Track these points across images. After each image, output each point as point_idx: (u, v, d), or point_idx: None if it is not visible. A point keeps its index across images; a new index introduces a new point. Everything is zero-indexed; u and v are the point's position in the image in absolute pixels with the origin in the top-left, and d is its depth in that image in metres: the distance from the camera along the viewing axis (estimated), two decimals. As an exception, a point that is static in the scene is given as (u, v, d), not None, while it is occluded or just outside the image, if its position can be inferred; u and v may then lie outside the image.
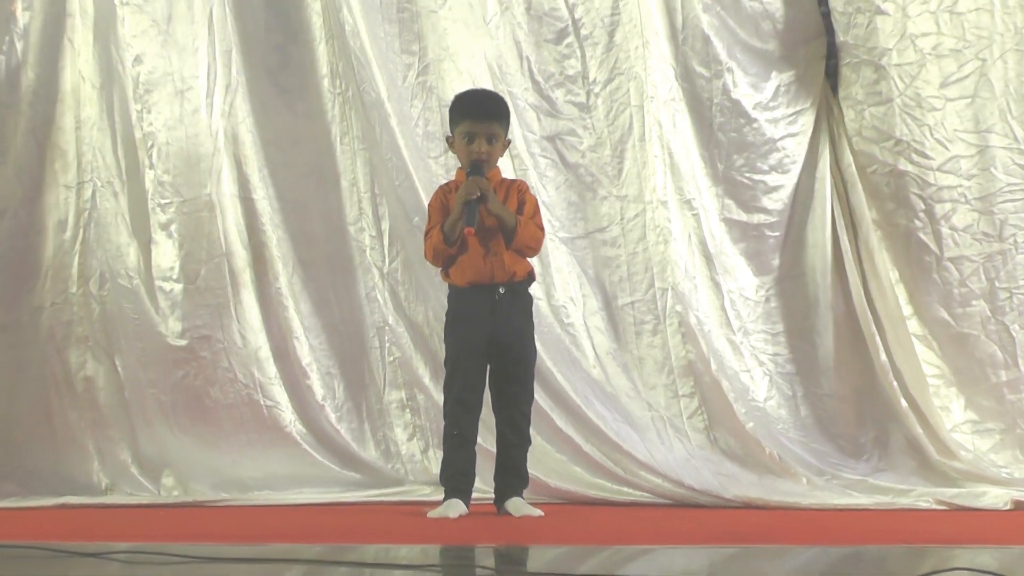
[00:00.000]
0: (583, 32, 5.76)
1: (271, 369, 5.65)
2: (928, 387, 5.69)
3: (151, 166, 5.61)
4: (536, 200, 5.06)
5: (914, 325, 5.76)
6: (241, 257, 5.66)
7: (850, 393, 5.78)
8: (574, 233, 5.73)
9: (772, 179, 5.85)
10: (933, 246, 5.73)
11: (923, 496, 5.27)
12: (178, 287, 5.62)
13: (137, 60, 5.64)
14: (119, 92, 5.63)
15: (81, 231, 5.61)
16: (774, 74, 5.88)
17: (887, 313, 5.71)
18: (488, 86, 5.64)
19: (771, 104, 5.86)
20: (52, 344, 5.56)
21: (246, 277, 5.66)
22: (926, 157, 5.74)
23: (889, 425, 5.68)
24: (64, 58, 5.61)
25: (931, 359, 5.74)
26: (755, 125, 5.82)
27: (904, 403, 5.65)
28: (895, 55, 5.73)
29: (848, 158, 5.82)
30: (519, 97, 5.71)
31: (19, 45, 5.54)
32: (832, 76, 5.92)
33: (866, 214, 5.77)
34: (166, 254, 5.64)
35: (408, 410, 5.67)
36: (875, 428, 5.72)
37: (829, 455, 5.62)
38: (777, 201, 5.83)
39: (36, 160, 5.60)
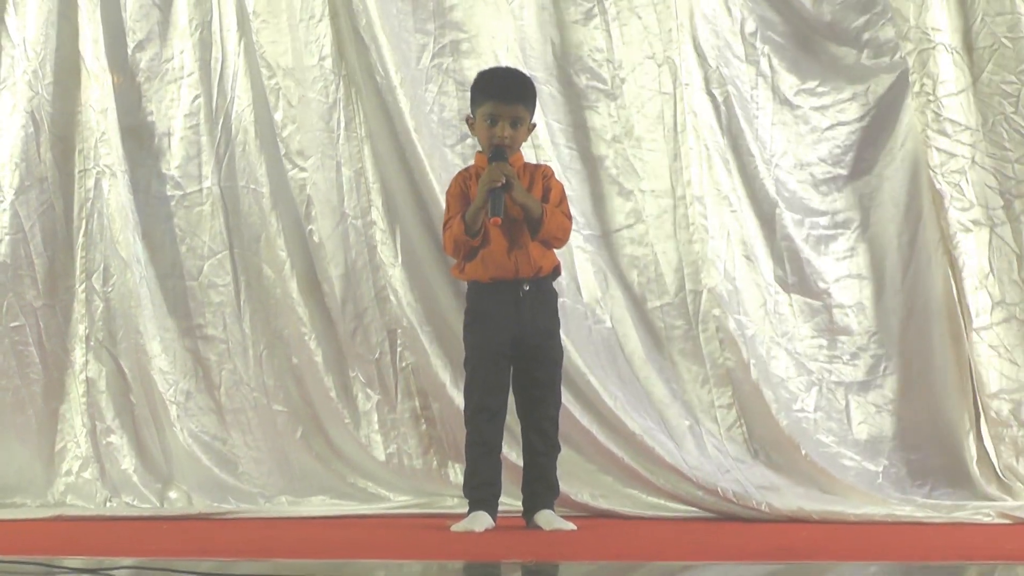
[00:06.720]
0: (611, 12, 5.65)
1: (279, 373, 5.63)
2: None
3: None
4: (562, 187, 5.04)
5: (994, 335, 5.60)
6: (244, 254, 5.68)
7: (914, 410, 5.65)
8: (599, 230, 5.64)
9: (823, 175, 5.71)
10: (1013, 244, 5.60)
11: (983, 509, 5.17)
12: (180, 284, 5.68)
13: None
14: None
15: (84, 222, 5.61)
16: (822, 59, 5.75)
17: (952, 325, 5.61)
18: (508, 69, 5.56)
19: (818, 90, 5.74)
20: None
21: (251, 275, 5.66)
22: (1003, 148, 5.63)
23: (953, 449, 5.54)
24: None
25: (1010, 372, 5.58)
26: (798, 113, 5.70)
27: (968, 426, 5.53)
28: (975, 37, 5.63)
29: (914, 151, 5.68)
30: (542, 82, 5.59)
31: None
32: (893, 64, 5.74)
33: (931, 211, 5.65)
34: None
35: (423, 420, 5.61)
36: (936, 452, 5.57)
37: (880, 474, 5.50)
38: (829, 198, 5.70)
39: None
